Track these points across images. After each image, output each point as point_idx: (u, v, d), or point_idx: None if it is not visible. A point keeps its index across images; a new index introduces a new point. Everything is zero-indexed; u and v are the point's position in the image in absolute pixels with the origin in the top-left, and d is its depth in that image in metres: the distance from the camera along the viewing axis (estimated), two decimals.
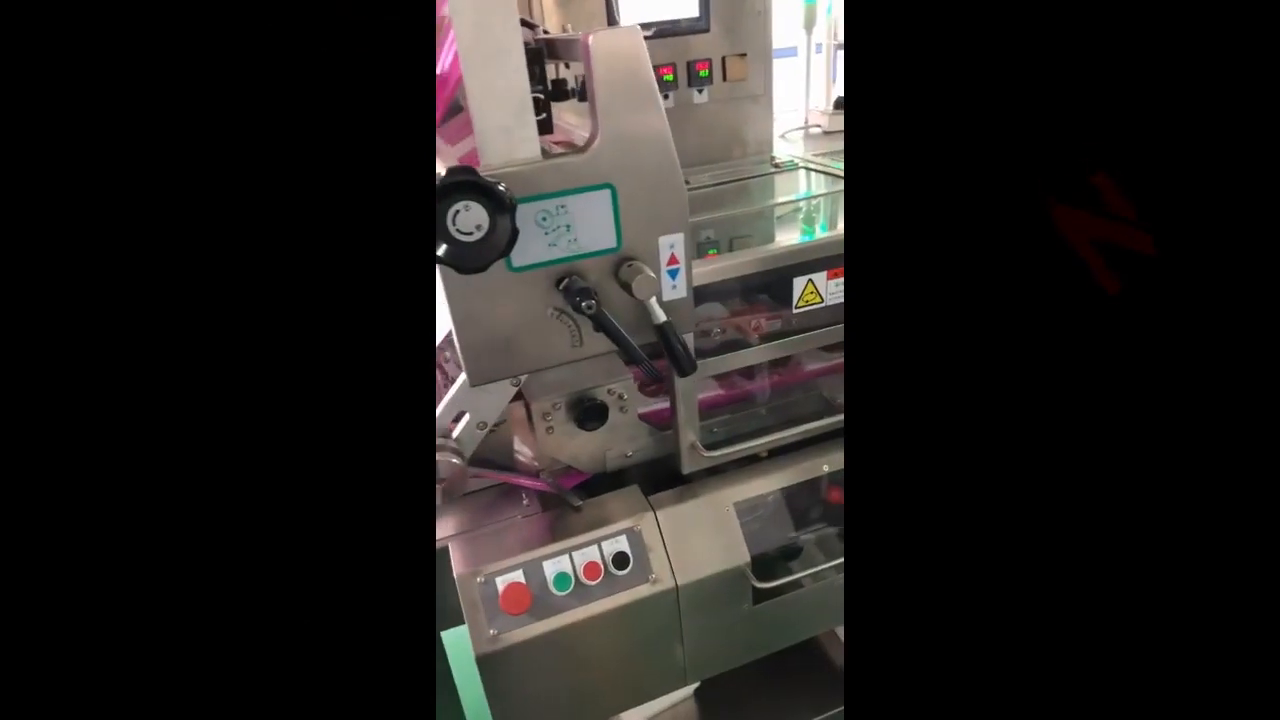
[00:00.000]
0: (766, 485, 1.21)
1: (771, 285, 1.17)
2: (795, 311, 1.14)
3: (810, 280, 1.12)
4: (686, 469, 1.18)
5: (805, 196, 1.43)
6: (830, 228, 1.26)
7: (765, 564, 1.19)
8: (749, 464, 1.24)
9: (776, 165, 1.55)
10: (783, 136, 1.85)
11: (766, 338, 1.23)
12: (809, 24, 1.82)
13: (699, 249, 1.24)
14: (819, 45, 1.86)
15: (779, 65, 2.05)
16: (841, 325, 1.18)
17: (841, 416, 1.26)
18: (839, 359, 1.33)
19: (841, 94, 1.85)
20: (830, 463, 1.25)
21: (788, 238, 1.19)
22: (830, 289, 1.14)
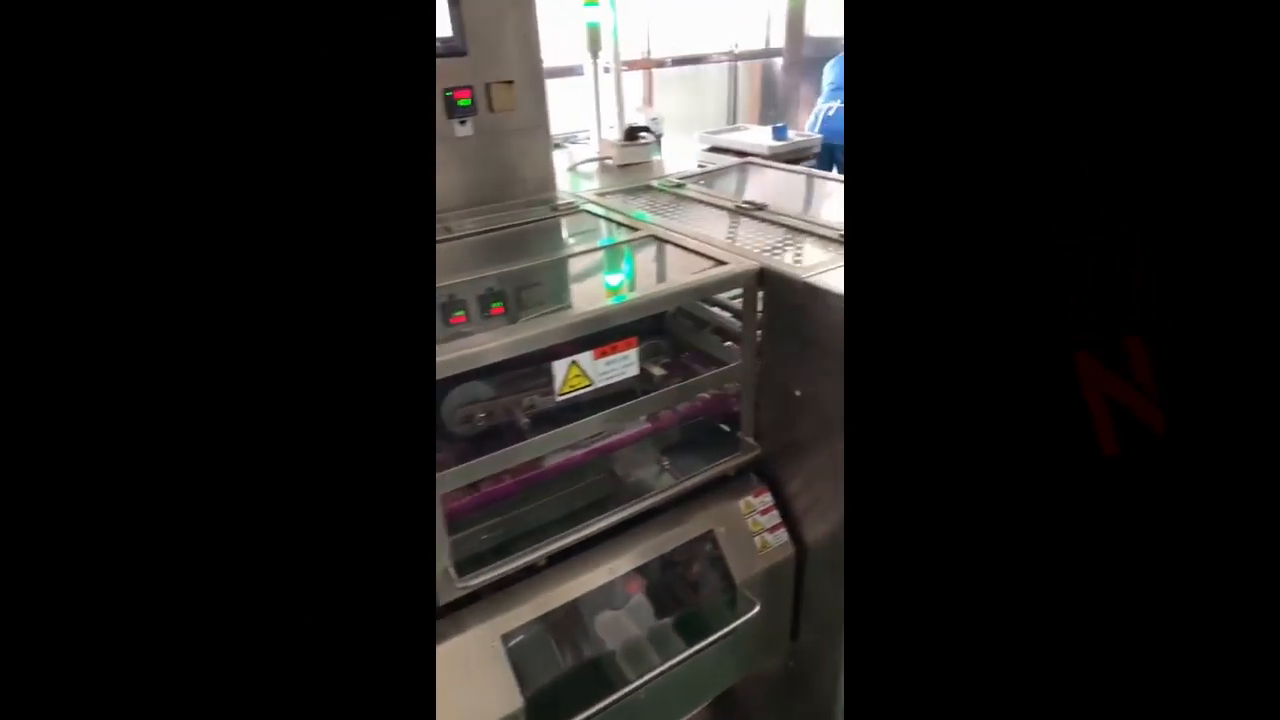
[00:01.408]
0: (546, 603, 1.01)
1: (533, 364, 0.98)
2: (561, 399, 0.95)
3: (574, 363, 0.93)
4: (441, 600, 0.95)
5: (587, 250, 1.25)
6: (604, 294, 1.09)
7: (553, 698, 0.99)
8: (527, 577, 1.03)
9: (555, 209, 1.37)
10: (571, 169, 1.68)
11: (540, 419, 1.04)
12: (594, 47, 1.66)
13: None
14: (606, 67, 1.71)
15: (570, 87, 1.87)
16: (622, 407, 1.01)
17: (639, 505, 1.09)
18: (633, 429, 1.17)
19: (632, 123, 1.71)
20: (625, 559, 1.08)
21: (550, 307, 1.01)
22: (600, 370, 0.96)
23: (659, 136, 2.13)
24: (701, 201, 1.41)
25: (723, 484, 1.17)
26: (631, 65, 3.72)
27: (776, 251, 1.11)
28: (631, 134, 1.68)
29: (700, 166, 1.77)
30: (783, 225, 1.24)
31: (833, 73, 3.26)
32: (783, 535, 1.16)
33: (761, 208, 1.31)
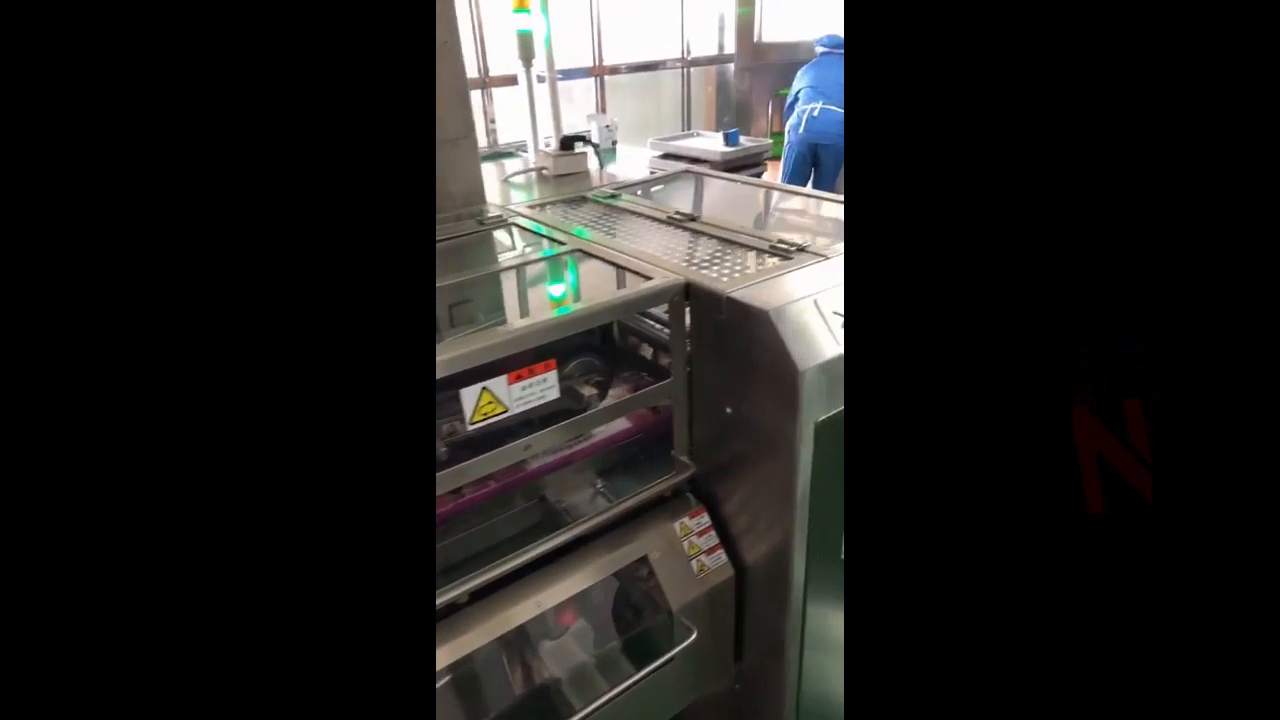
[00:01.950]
0: (469, 642, 0.96)
1: (448, 389, 0.93)
2: (473, 427, 0.90)
3: (485, 389, 0.88)
4: None
5: (509, 266, 1.20)
6: (521, 313, 1.04)
7: None
8: (448, 615, 0.98)
9: (483, 223, 1.32)
10: (506, 180, 1.63)
11: (461, 446, 0.99)
12: (526, 56, 1.61)
13: None
14: (540, 76, 1.67)
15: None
16: (541, 433, 0.96)
17: (571, 532, 1.04)
18: (566, 450, 1.12)
19: (568, 133, 1.66)
20: (556, 590, 1.03)
21: (460, 330, 0.96)
22: (516, 395, 0.91)
23: (613, 144, 2.09)
24: (635, 213, 1.37)
25: (659, 505, 1.13)
26: (590, 72, 3.69)
27: (705, 265, 1.07)
28: (567, 144, 1.64)
29: (652, 173, 1.74)
30: (715, 237, 1.20)
31: (808, 76, 3.31)
32: (721, 557, 1.12)
33: (694, 219, 1.28)
